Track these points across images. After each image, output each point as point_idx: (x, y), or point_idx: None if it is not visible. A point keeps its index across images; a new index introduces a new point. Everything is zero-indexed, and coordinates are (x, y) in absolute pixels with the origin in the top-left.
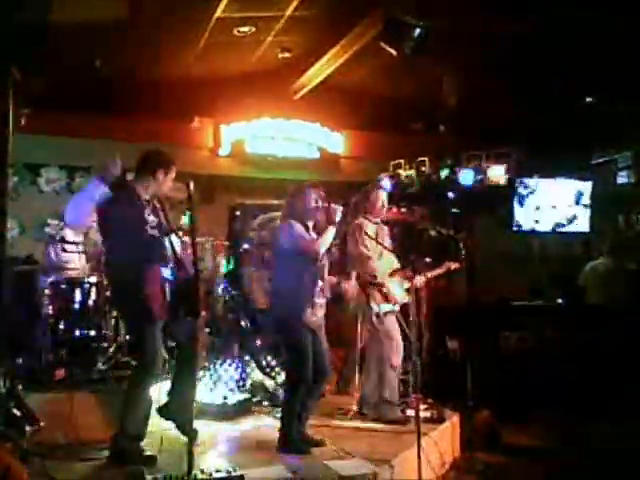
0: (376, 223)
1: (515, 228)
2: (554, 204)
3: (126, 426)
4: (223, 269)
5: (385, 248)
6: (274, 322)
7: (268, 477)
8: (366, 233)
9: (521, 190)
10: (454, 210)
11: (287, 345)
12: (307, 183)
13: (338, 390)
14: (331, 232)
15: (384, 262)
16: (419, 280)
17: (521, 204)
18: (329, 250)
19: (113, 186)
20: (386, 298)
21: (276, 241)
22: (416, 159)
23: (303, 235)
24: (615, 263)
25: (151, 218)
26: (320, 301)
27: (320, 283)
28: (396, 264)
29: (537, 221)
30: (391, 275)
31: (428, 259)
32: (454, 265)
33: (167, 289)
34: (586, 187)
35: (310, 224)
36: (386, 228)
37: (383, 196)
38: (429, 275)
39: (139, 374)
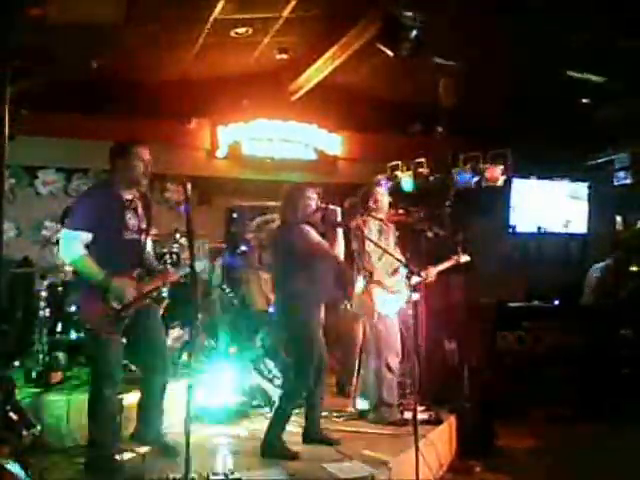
0: (380, 220)
1: (511, 229)
2: (551, 205)
3: (94, 437)
4: (220, 271)
5: (383, 248)
6: (286, 323)
7: None
8: (364, 234)
9: (518, 191)
10: (450, 212)
11: (296, 347)
12: (305, 184)
13: (337, 392)
14: (340, 234)
15: (386, 260)
16: (429, 276)
17: (518, 205)
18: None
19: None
20: (389, 291)
21: (286, 242)
22: (413, 161)
23: (320, 239)
24: (616, 265)
25: (132, 222)
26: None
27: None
28: (398, 263)
29: (534, 222)
30: (393, 273)
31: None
32: (464, 258)
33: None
34: (583, 188)
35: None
36: (392, 227)
37: (385, 194)
38: (436, 270)
39: (95, 384)
